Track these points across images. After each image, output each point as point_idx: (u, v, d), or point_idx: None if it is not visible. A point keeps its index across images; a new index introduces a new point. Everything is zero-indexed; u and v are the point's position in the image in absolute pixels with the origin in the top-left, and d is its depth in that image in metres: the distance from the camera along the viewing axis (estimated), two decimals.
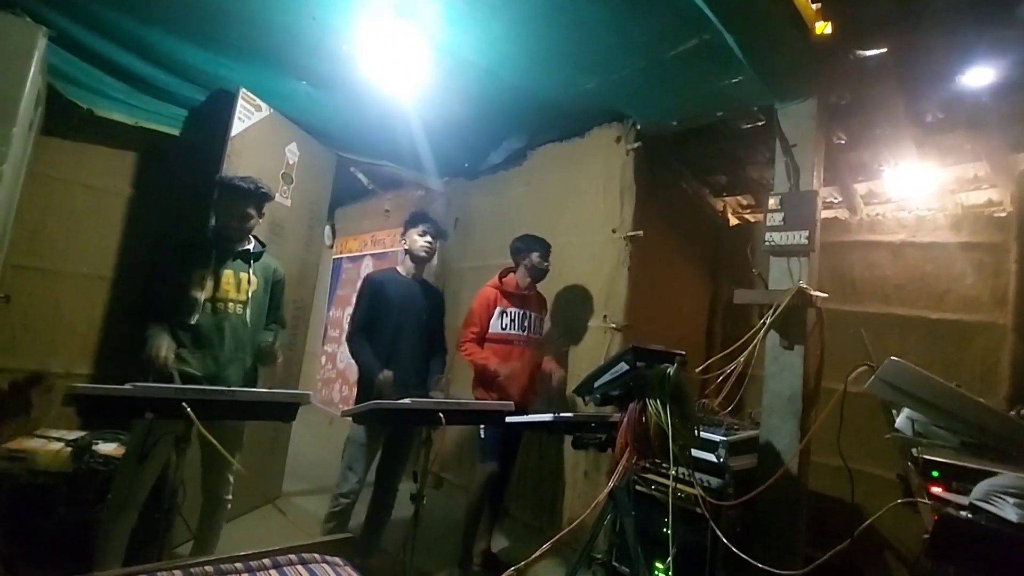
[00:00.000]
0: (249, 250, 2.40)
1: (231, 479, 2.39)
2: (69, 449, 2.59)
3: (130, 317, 2.29)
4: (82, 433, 2.76)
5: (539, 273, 3.08)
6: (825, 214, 3.75)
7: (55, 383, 3.12)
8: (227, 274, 2.32)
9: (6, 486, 2.43)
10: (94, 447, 2.66)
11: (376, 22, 2.52)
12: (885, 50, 2.39)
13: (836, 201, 3.75)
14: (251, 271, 2.39)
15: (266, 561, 1.34)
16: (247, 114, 3.08)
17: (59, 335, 3.20)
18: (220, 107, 3.08)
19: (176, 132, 3.32)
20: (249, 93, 3.08)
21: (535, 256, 3.04)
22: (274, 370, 2.61)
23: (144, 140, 3.32)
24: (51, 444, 2.63)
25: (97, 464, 2.61)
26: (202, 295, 2.24)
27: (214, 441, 1.57)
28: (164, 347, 2.05)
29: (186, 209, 3.14)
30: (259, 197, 2.38)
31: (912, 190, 3.36)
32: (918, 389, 1.36)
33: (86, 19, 2.62)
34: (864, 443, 2.64)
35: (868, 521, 1.46)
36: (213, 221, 2.41)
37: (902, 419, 1.50)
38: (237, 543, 2.59)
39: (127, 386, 1.42)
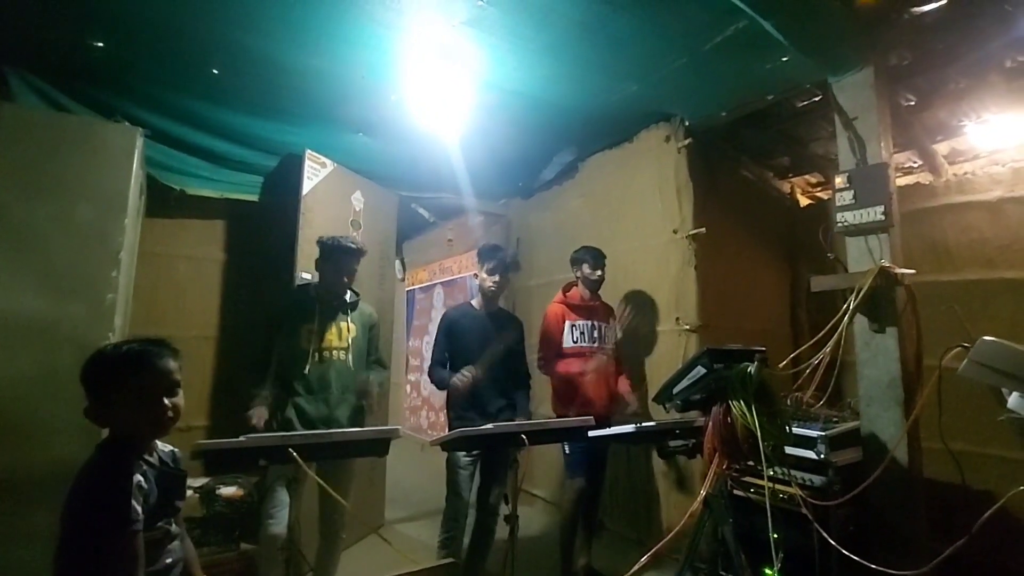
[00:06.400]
0: (346, 300, 2.63)
1: (344, 514, 2.55)
2: (197, 495, 2.87)
3: (243, 372, 2.52)
4: (206, 479, 3.05)
5: (594, 284, 3.08)
6: (905, 180, 3.51)
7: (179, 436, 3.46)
8: (330, 325, 2.55)
9: None
10: (218, 492, 2.93)
11: (419, 70, 2.68)
12: (943, 1, 2.23)
13: (916, 165, 3.50)
14: (349, 319, 2.61)
15: None
16: (314, 172, 3.34)
17: None
18: (290, 170, 3.37)
19: (255, 198, 3.63)
20: (314, 153, 3.34)
21: (586, 267, 3.05)
22: (374, 404, 2.77)
23: (229, 209, 3.66)
24: None
25: (222, 507, 2.87)
26: (311, 347, 2.47)
27: (317, 479, 1.75)
28: (256, 418, 2.31)
29: (269, 265, 3.45)
30: (361, 254, 2.63)
31: (1002, 141, 3.07)
32: (1020, 368, 1.24)
33: (172, 112, 3.00)
34: (983, 423, 2.42)
35: (988, 513, 1.35)
36: (319, 279, 2.62)
37: (1015, 398, 1.37)
38: (349, 573, 2.76)
39: (242, 438, 1.58)
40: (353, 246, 2.59)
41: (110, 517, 1.13)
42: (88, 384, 1.24)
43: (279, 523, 2.30)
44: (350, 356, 2.57)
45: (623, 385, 3.07)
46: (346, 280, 2.59)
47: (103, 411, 1.23)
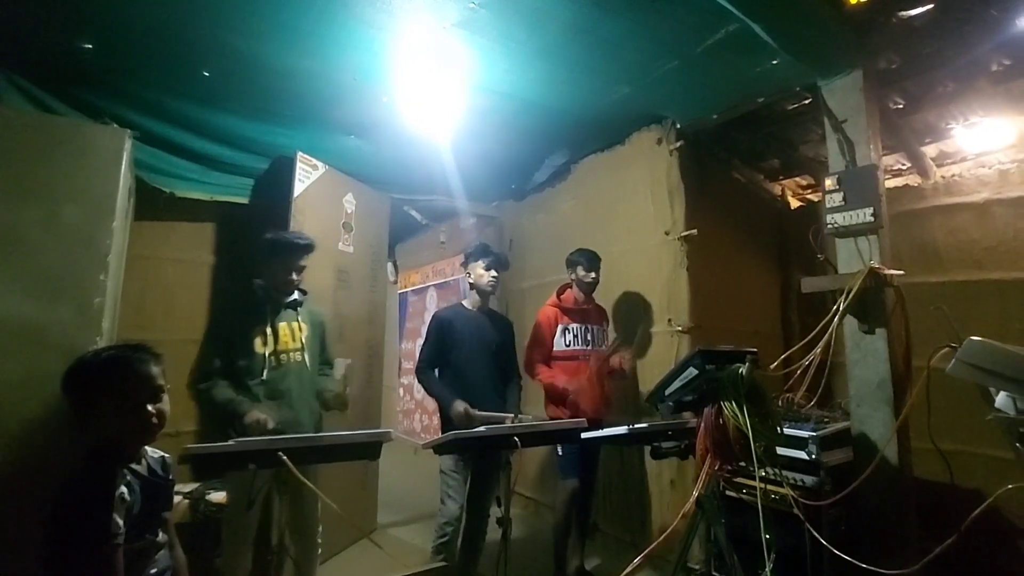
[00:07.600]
0: (295, 299, 2.54)
1: (318, 515, 2.52)
2: (186, 501, 2.84)
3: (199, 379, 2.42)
4: (195, 485, 3.02)
5: (588, 286, 3.09)
6: (894, 182, 3.55)
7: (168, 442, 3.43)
8: (282, 326, 2.46)
9: None
10: (207, 497, 2.90)
11: (411, 72, 2.68)
12: (931, 6, 2.26)
13: (904, 167, 3.53)
14: (299, 319, 2.53)
15: None
16: (305, 174, 3.32)
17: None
18: (281, 172, 3.35)
19: (246, 200, 3.60)
20: (305, 155, 3.32)
21: (580, 270, 3.06)
22: (346, 412, 2.73)
23: (219, 212, 3.62)
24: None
25: (211, 512, 2.84)
26: (266, 350, 2.38)
27: (310, 484, 1.71)
28: (262, 418, 2.20)
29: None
30: (309, 249, 2.53)
31: (989, 144, 3.11)
32: (1007, 368, 1.25)
33: (161, 114, 2.97)
34: (971, 422, 2.44)
35: (977, 512, 1.36)
36: (266, 278, 2.50)
37: (1002, 397, 1.38)
38: None
39: (231, 442, 1.57)
40: (302, 241, 2.50)
41: (88, 531, 1.10)
42: (70, 393, 1.22)
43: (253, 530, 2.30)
44: (306, 356, 2.49)
45: (615, 359, 3.05)
46: (294, 278, 2.49)
47: (87, 420, 1.21)
